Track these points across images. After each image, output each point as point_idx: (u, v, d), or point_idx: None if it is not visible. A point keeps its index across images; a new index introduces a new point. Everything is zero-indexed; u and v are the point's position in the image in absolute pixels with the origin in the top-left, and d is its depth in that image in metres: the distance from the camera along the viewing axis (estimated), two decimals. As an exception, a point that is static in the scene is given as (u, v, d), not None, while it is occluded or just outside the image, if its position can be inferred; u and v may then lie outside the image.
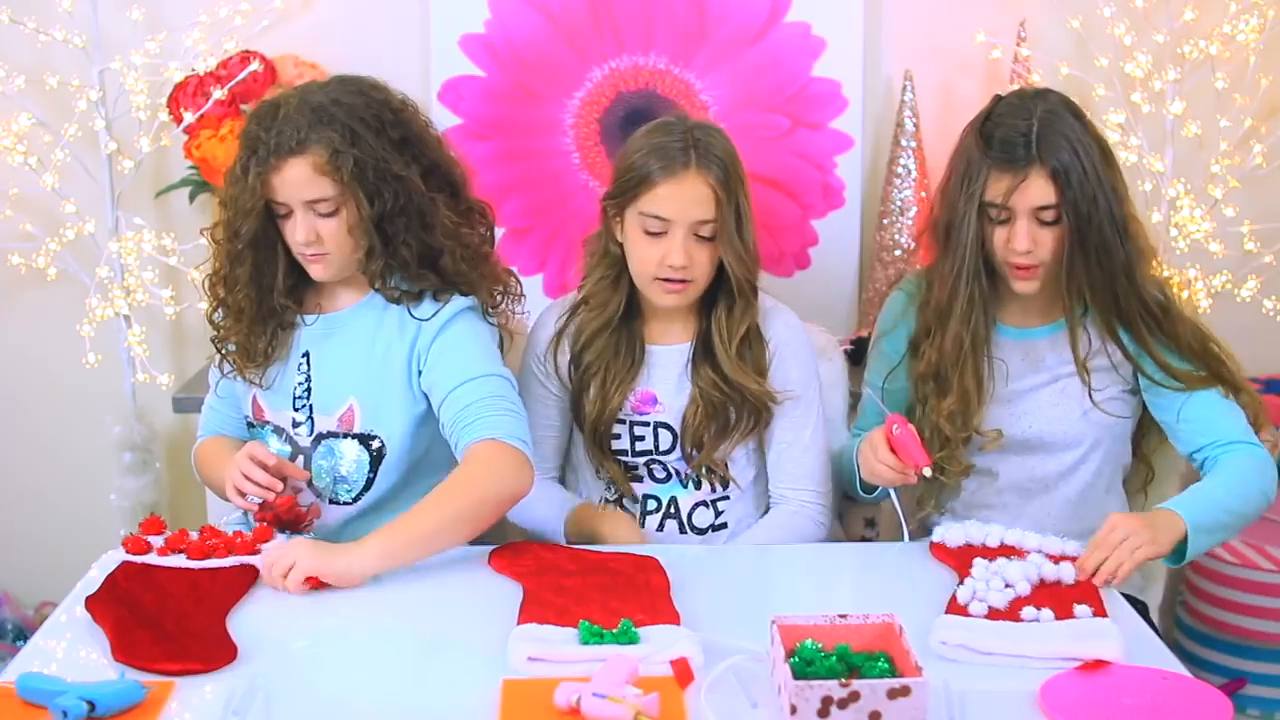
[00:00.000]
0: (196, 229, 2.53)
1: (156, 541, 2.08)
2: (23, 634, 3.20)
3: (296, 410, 2.23)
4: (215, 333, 2.26)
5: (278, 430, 2.25)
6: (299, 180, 2.11)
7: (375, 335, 2.22)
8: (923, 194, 2.97)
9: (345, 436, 2.22)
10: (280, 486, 2.13)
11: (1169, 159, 2.98)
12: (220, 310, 2.25)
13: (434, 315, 2.18)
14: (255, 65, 2.89)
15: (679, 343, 2.28)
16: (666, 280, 2.19)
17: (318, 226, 2.14)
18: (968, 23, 3.00)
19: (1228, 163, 2.98)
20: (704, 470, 2.28)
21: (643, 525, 2.29)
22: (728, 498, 2.30)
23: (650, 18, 3.01)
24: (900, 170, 2.97)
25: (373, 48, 2.97)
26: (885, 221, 2.99)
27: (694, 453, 2.27)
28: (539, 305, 2.48)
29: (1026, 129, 2.10)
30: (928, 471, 2.08)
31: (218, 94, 2.88)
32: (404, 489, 2.24)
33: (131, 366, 3.08)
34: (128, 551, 2.05)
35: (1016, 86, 2.88)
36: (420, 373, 2.19)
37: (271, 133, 2.10)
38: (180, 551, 2.05)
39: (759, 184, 3.02)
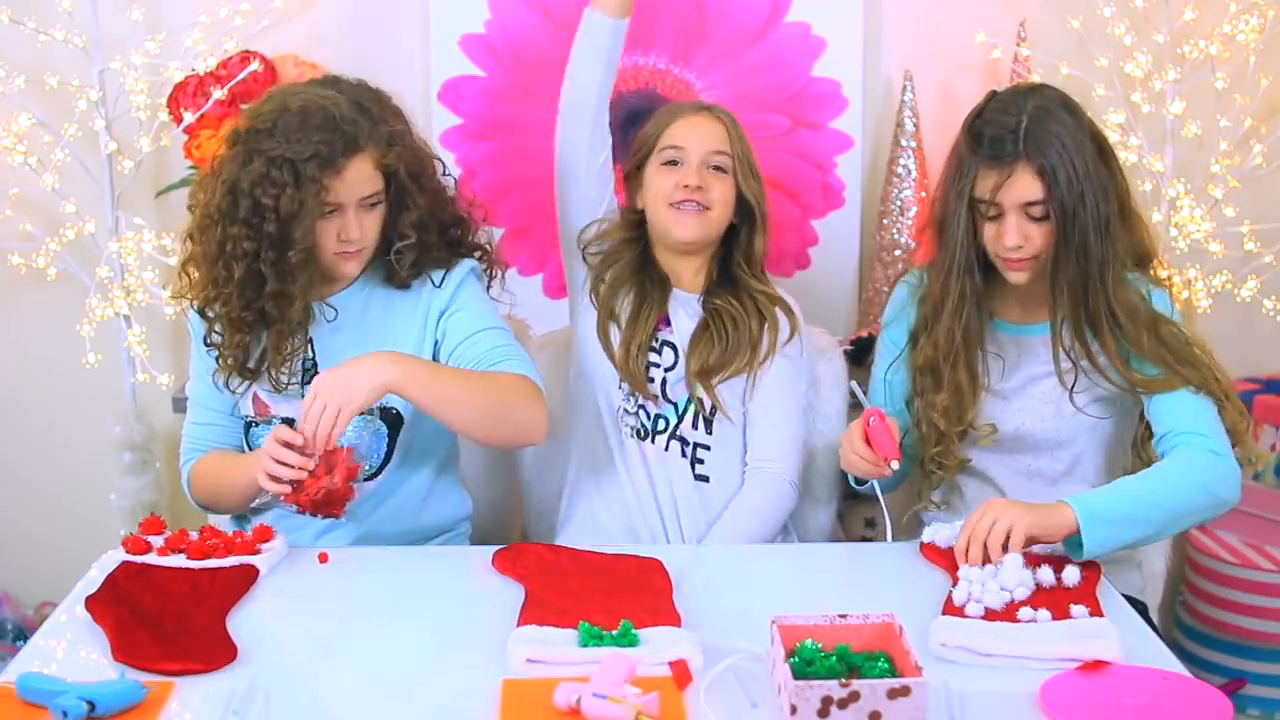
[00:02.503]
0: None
1: (156, 541, 2.08)
2: (23, 634, 3.20)
3: (305, 396, 2.21)
4: (220, 351, 2.21)
5: (286, 421, 2.24)
6: (361, 178, 2.14)
7: (379, 307, 2.26)
8: (923, 194, 2.96)
9: (363, 414, 2.21)
10: (312, 465, 2.08)
11: (1169, 159, 2.98)
12: (230, 328, 2.19)
13: (446, 278, 2.27)
14: (255, 65, 2.89)
15: (694, 290, 2.43)
16: (682, 206, 2.35)
17: (364, 221, 2.17)
18: (968, 23, 3.00)
19: (1228, 163, 2.98)
20: (696, 401, 2.36)
21: (650, 440, 2.40)
22: (709, 448, 2.37)
23: (650, 18, 3.01)
24: (900, 170, 2.97)
25: (373, 48, 2.98)
26: (885, 221, 2.99)
27: (695, 375, 2.36)
28: (539, 305, 2.49)
29: (1015, 125, 2.10)
30: (895, 465, 2.11)
31: (218, 94, 2.88)
32: (419, 456, 2.30)
33: (131, 366, 3.08)
34: (128, 551, 2.05)
35: (1016, 86, 2.89)
36: (438, 325, 2.26)
37: (336, 134, 2.10)
38: (180, 551, 2.05)
39: (759, 184, 3.04)
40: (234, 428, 2.32)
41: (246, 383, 2.24)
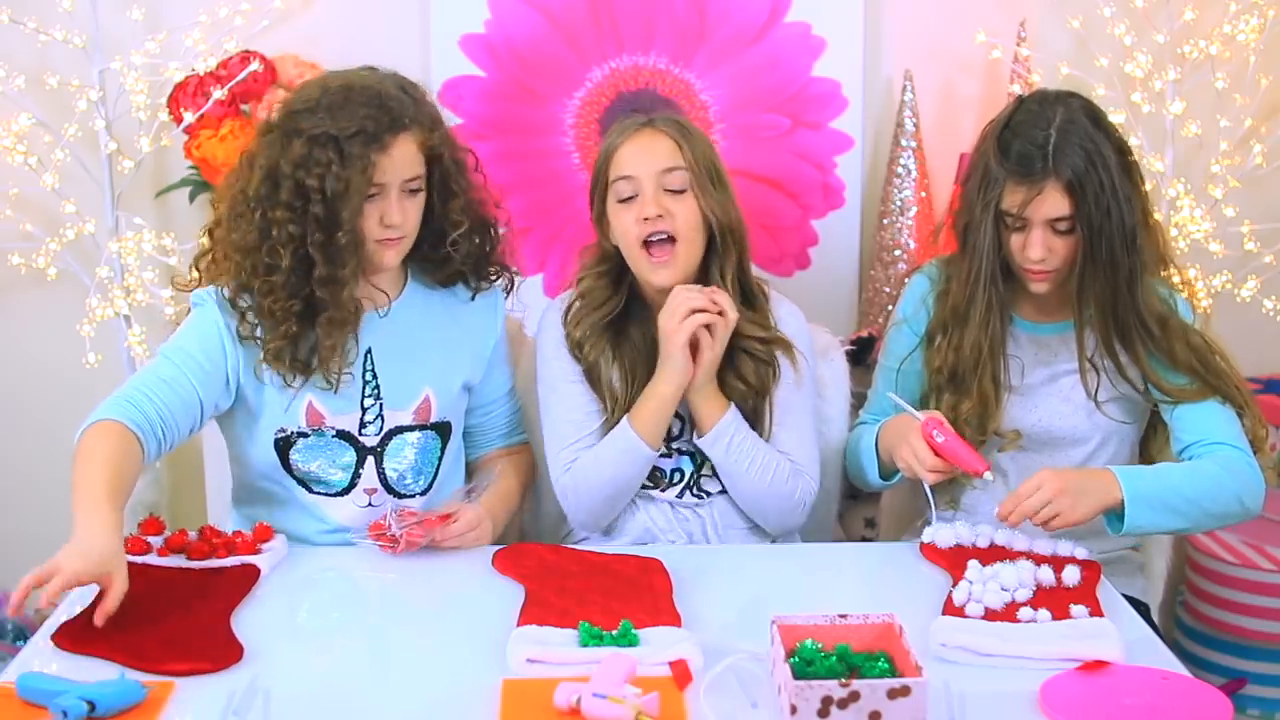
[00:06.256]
0: (196, 229, 2.52)
1: (156, 542, 2.08)
2: (23, 634, 3.20)
3: (365, 410, 2.18)
4: (265, 344, 2.09)
5: (341, 434, 2.17)
6: (405, 158, 2.09)
7: (431, 324, 2.25)
8: (923, 194, 2.97)
9: (421, 429, 2.22)
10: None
11: (1169, 159, 2.98)
12: (273, 316, 2.07)
13: (490, 303, 2.29)
14: (255, 65, 2.89)
15: None
16: (649, 247, 2.18)
17: (406, 207, 2.11)
18: (968, 23, 3.00)
19: (1228, 163, 2.98)
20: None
21: (664, 491, 2.28)
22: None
23: (650, 18, 3.01)
24: (900, 170, 2.97)
25: (373, 48, 2.93)
26: (885, 221, 2.99)
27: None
28: (539, 305, 2.48)
29: (1044, 140, 2.09)
30: (989, 475, 2.07)
31: (218, 94, 2.88)
32: (454, 469, 2.31)
33: (131, 366, 3.07)
34: (127, 552, 2.04)
35: (1017, 87, 2.89)
36: (489, 362, 2.30)
37: (383, 110, 2.06)
38: (180, 552, 2.05)
39: (759, 184, 3.04)
40: (187, 409, 2.08)
41: (301, 378, 2.11)
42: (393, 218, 2.09)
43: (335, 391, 2.13)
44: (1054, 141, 2.09)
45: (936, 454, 2.09)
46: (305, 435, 2.17)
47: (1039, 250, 2.12)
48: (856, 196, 3.09)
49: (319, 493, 2.21)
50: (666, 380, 2.18)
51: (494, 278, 2.30)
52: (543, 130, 3.07)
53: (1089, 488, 2.03)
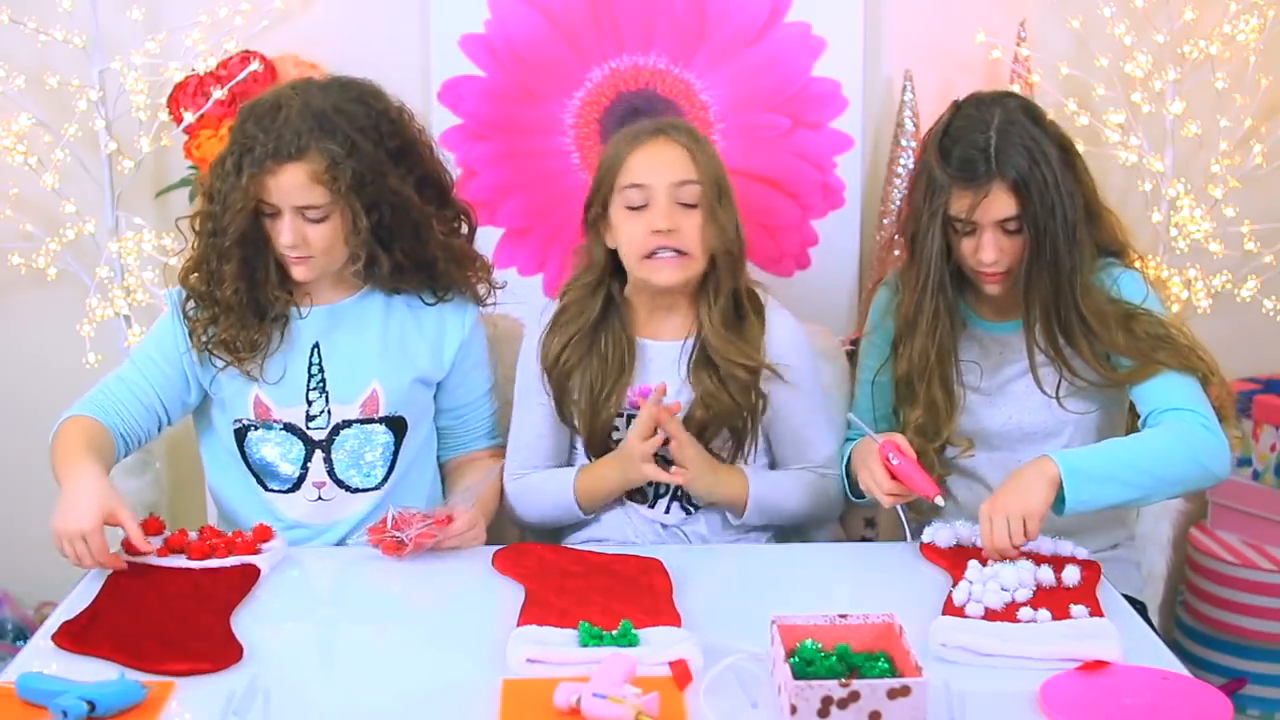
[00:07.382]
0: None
1: (156, 542, 2.08)
2: (23, 634, 3.20)
3: (311, 403, 2.22)
4: (191, 328, 2.21)
5: (289, 428, 2.23)
6: (293, 186, 2.11)
7: (387, 319, 2.27)
8: (923, 194, 2.96)
9: (370, 422, 2.23)
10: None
11: (1169, 159, 2.98)
12: (198, 303, 2.21)
13: (459, 307, 2.30)
14: (255, 65, 2.89)
15: (674, 339, 2.27)
16: (657, 255, 2.18)
17: (305, 231, 2.14)
18: (968, 23, 3.00)
19: (1228, 163, 2.98)
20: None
21: (652, 506, 2.28)
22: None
23: (650, 18, 3.01)
24: (900, 170, 2.97)
25: (373, 48, 2.97)
26: (885, 221, 2.99)
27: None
28: (538, 305, 2.48)
29: (985, 144, 2.09)
30: (940, 500, 2.06)
31: (218, 94, 2.88)
32: (416, 466, 2.31)
33: (132, 367, 3.08)
34: (127, 552, 2.05)
35: (1017, 87, 2.89)
36: (454, 365, 2.30)
37: (270, 134, 2.09)
38: (180, 552, 2.05)
39: (759, 184, 3.04)
40: (146, 409, 2.22)
41: (223, 362, 2.20)
42: (283, 238, 2.14)
43: (270, 382, 2.20)
44: (995, 143, 2.09)
45: (893, 477, 2.08)
46: (257, 427, 2.24)
47: (991, 253, 2.12)
48: (856, 196, 3.08)
49: (274, 489, 2.26)
50: (618, 477, 2.24)
51: (450, 297, 2.31)
52: (542, 130, 3.07)
53: (1020, 479, 2.00)
